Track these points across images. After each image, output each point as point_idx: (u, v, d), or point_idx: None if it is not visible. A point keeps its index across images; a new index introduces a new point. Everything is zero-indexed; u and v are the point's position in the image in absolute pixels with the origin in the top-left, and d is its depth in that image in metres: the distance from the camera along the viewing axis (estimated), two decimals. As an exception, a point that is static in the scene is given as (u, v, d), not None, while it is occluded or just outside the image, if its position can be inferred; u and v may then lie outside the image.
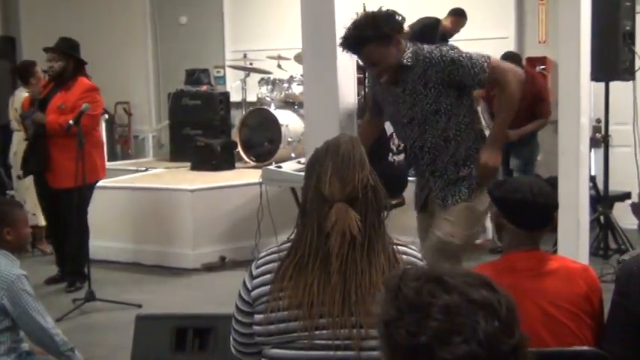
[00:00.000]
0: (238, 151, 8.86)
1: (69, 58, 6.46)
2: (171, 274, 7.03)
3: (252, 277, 2.23)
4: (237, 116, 9.71)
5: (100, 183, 6.98)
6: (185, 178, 8.07)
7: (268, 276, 2.20)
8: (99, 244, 7.03)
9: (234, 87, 10.11)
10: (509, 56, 7.57)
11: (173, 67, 10.60)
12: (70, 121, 6.01)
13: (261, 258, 2.25)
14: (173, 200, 7.37)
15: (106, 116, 9.22)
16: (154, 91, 11.20)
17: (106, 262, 7.18)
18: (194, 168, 8.65)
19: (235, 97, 9.91)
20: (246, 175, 7.99)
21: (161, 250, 7.27)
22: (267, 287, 2.18)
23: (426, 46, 3.98)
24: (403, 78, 3.98)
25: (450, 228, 4.05)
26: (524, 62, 8.99)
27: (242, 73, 9.68)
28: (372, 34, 3.84)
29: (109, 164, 9.39)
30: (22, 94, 7.67)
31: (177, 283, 6.76)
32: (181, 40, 10.84)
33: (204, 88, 9.63)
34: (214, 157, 8.53)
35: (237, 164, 8.80)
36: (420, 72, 3.92)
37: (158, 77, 11.16)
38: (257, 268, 2.24)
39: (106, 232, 7.31)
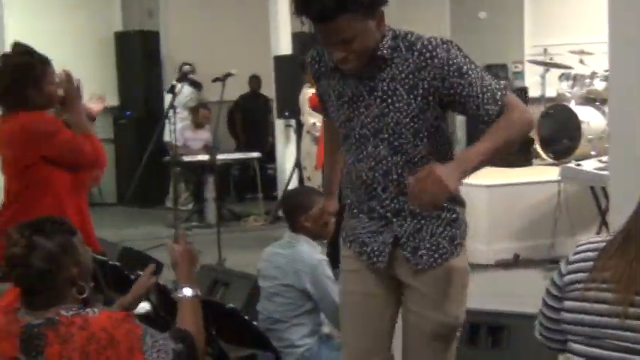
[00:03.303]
0: (535, 148, 8.70)
1: None
2: (464, 268, 7.02)
3: (568, 263, 2.19)
4: (535, 112, 9.52)
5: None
6: (480, 174, 8.01)
7: (584, 264, 2.14)
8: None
9: (532, 82, 9.93)
10: None
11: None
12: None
13: (582, 245, 2.20)
14: (470, 195, 7.31)
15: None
16: (451, 86, 11.26)
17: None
18: (490, 164, 8.59)
19: (534, 92, 9.73)
20: (543, 173, 7.84)
21: (455, 244, 7.30)
22: (582, 275, 2.12)
23: (424, 36, 2.70)
24: (374, 73, 2.71)
25: (448, 306, 2.88)
26: None
27: (541, 69, 9.48)
28: None
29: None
30: (307, 91, 8.00)
31: (470, 279, 6.74)
32: (480, 34, 10.80)
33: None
34: (511, 153, 8.42)
35: (534, 161, 8.63)
36: (411, 69, 2.66)
37: (456, 72, 11.20)
38: (575, 254, 2.19)
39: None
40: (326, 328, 3.84)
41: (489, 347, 3.87)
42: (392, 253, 2.81)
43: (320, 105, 3.03)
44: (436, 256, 2.80)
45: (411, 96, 2.66)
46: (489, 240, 7.17)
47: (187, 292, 2.79)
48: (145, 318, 3.57)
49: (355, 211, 2.89)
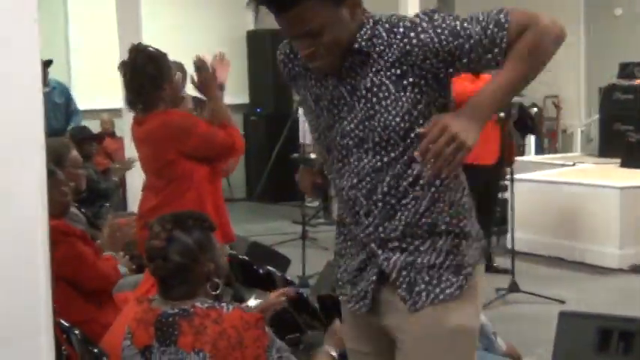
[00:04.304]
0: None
1: None
2: (594, 272, 6.87)
3: None
4: (673, 112, 9.19)
5: (526, 176, 7.11)
6: (614, 175, 7.83)
7: None
8: (523, 237, 7.10)
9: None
10: None
11: (605, 60, 10.30)
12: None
13: None
14: (600, 197, 7.19)
15: (535, 109, 9.26)
16: (584, 84, 10.98)
17: (529, 254, 7.23)
18: (624, 165, 8.34)
19: (672, 91, 9.39)
20: (680, 174, 7.57)
21: (585, 247, 7.14)
22: None
23: (406, 16, 2.24)
24: (355, 69, 2.24)
25: None
26: None
27: (680, 66, 9.14)
28: None
29: (535, 157, 9.48)
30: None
31: (600, 282, 6.59)
32: (615, 32, 10.49)
33: (637, 81, 9.24)
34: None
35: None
36: (396, 56, 2.18)
37: (589, 70, 10.91)
38: None
39: (531, 224, 7.36)
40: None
41: (621, 353, 3.77)
42: (377, 296, 2.30)
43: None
44: (437, 291, 2.23)
45: (400, 88, 2.18)
46: (622, 244, 6.97)
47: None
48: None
49: (343, 244, 2.43)
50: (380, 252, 2.26)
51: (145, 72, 3.84)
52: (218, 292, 2.62)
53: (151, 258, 2.61)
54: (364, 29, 2.21)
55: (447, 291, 2.23)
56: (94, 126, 9.16)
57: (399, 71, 2.18)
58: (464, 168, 2.21)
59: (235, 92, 4.27)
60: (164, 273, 2.58)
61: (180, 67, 4.73)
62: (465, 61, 2.15)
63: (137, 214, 4.18)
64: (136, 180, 6.19)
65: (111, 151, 8.80)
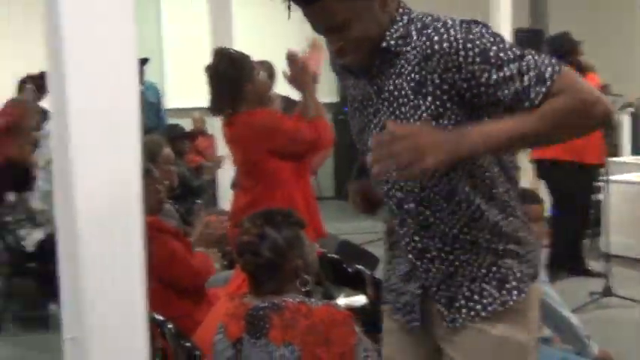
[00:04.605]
0: None
1: None
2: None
3: None
4: None
5: (622, 177, 6.95)
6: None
7: None
8: (617, 240, 6.93)
9: None
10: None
11: None
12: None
13: None
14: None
15: (632, 109, 9.04)
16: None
17: (623, 257, 7.06)
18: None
19: None
20: None
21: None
22: None
23: (443, 18, 1.99)
24: (384, 68, 2.05)
25: None
26: None
27: None
28: None
29: (631, 158, 9.23)
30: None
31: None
32: None
33: None
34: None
35: None
36: (417, 60, 1.98)
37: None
38: None
39: (626, 227, 7.18)
40: (548, 331, 3.77)
41: None
42: (424, 308, 2.15)
43: None
44: (479, 307, 2.07)
45: (419, 96, 1.97)
46: None
47: None
48: (361, 311, 3.63)
49: (391, 252, 2.26)
50: (418, 263, 2.12)
51: (226, 75, 3.90)
52: (308, 288, 2.64)
53: (240, 253, 2.65)
54: (396, 26, 2.01)
55: (489, 308, 2.06)
56: (186, 124, 9.34)
57: (418, 77, 1.98)
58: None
59: (324, 91, 4.26)
60: (253, 268, 2.62)
61: (268, 66, 4.76)
62: (483, 90, 1.91)
63: (229, 213, 4.23)
64: (226, 178, 6.27)
65: (202, 149, 8.92)
